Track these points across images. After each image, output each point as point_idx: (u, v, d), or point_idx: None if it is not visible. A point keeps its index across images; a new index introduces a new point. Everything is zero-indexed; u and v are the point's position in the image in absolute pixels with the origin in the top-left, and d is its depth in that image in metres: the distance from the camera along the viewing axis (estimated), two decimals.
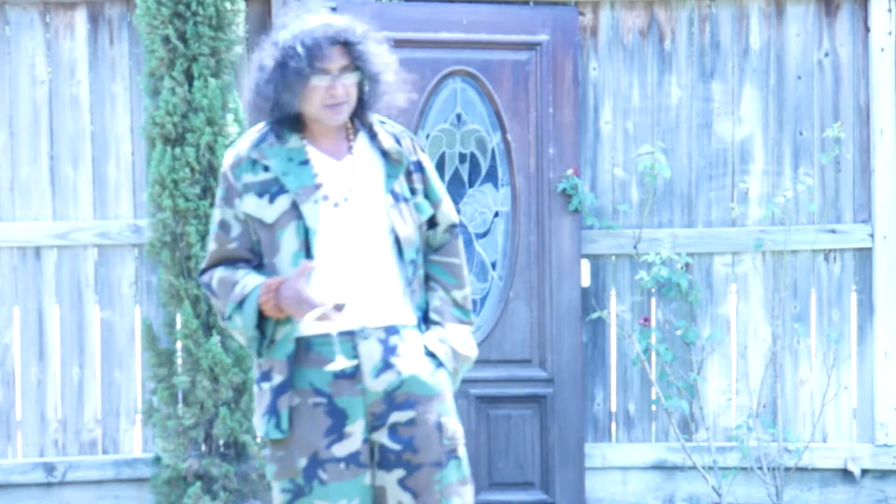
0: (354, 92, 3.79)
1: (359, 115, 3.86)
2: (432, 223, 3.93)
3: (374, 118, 3.88)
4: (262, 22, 6.60)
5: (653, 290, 6.74)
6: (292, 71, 3.70)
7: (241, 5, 6.43)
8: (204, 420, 6.38)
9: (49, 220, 6.59)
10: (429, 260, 3.93)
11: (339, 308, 3.64)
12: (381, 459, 3.77)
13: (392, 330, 3.79)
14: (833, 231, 6.71)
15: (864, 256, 6.74)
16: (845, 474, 6.76)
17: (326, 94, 3.74)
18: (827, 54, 6.76)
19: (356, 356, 3.75)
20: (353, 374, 3.75)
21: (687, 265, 6.68)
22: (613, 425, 6.81)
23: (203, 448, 6.41)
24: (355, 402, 3.74)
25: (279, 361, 3.76)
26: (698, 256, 6.75)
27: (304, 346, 3.76)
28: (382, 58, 3.81)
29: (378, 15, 6.41)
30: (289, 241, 3.75)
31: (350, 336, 3.75)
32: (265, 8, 6.59)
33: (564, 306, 6.63)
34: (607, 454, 6.76)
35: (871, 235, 6.71)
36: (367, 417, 3.75)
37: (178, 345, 6.38)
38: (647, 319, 6.65)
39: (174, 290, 6.34)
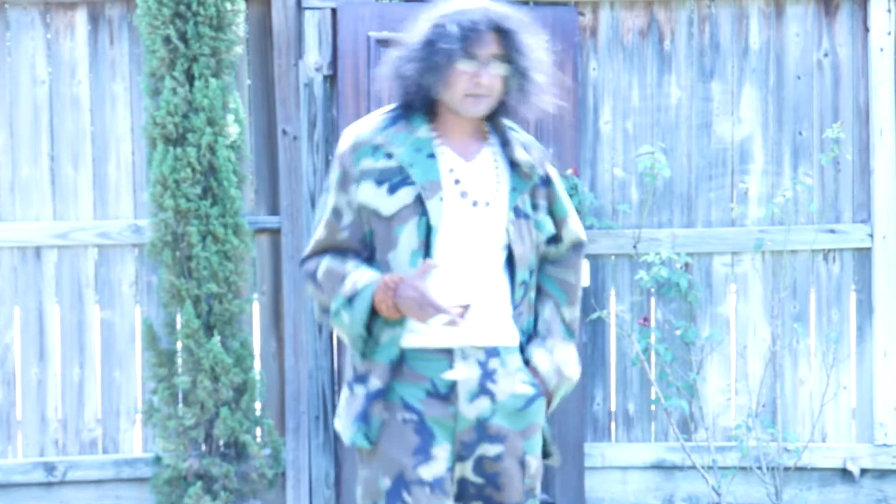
0: (499, 86, 3.50)
1: (495, 116, 3.58)
2: (556, 239, 3.66)
3: (506, 124, 3.61)
4: (262, 23, 6.61)
5: (652, 290, 6.75)
6: (440, 51, 3.41)
7: (242, 6, 6.44)
8: (204, 420, 6.38)
9: (49, 220, 6.59)
10: (544, 272, 3.66)
11: (464, 312, 3.37)
12: (460, 492, 3.52)
13: (493, 352, 3.51)
14: (832, 231, 6.71)
15: (864, 256, 6.74)
16: (844, 474, 6.77)
17: (471, 82, 3.45)
18: (826, 54, 6.76)
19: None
20: (448, 396, 3.47)
21: (686, 265, 6.69)
22: (613, 425, 6.81)
23: (203, 448, 6.41)
24: (445, 425, 3.47)
25: (380, 366, 3.48)
26: (698, 256, 6.76)
27: (398, 360, 3.48)
28: (537, 54, 3.52)
29: (378, 15, 6.40)
30: (408, 237, 3.44)
31: (448, 354, 3.48)
32: (265, 9, 6.59)
33: None
34: (607, 454, 6.76)
35: (871, 235, 6.72)
36: (455, 445, 3.48)
37: (179, 345, 6.38)
38: (646, 319, 6.66)
39: (175, 290, 6.34)
